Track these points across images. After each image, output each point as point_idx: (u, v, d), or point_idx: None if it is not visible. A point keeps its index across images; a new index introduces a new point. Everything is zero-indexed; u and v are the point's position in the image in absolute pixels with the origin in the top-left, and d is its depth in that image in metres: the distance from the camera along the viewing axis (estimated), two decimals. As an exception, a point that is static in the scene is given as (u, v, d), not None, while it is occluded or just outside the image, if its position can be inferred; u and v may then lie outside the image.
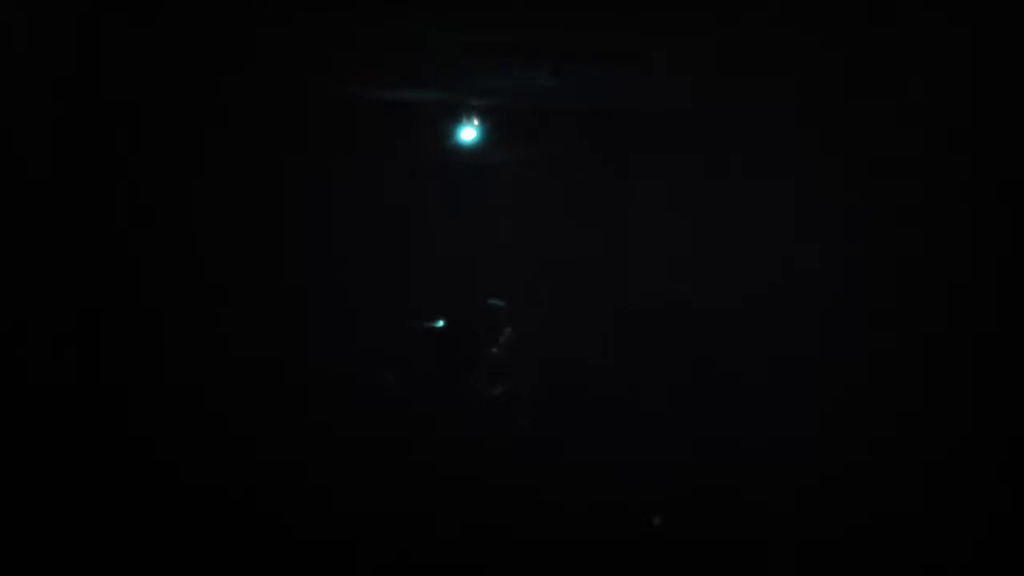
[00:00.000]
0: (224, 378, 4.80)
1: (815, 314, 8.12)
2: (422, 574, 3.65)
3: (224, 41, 6.45)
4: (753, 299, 8.55)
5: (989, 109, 5.07)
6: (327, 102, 8.03)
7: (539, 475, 4.14)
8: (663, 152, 8.56)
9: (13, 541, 3.10)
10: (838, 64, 6.50)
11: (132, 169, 7.86)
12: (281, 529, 3.49)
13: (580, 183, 8.75)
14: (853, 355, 6.77)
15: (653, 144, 8.61)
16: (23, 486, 3.32)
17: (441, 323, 4.40)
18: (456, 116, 8.28)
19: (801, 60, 6.46)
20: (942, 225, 8.62)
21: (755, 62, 6.46)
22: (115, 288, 7.52)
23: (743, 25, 5.50)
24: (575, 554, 3.78)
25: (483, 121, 8.29)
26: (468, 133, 8.33)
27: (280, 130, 8.06)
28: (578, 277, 8.35)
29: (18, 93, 6.63)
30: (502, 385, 4.85)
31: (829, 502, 4.68)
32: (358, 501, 3.67)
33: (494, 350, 6.06)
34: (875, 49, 6.00)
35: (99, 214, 7.61)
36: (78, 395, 3.93)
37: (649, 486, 4.12)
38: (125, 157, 7.81)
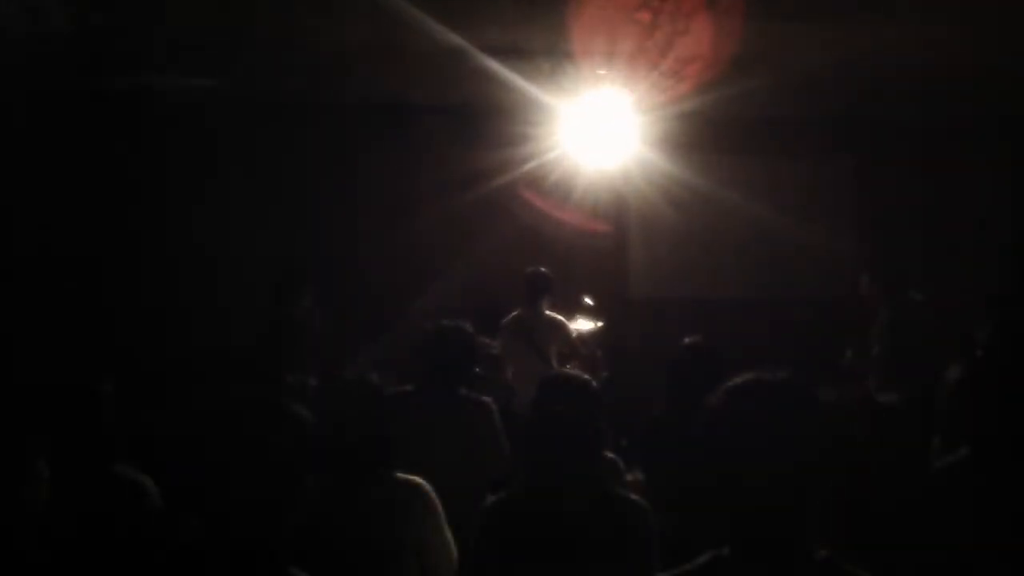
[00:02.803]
0: (223, 376, 4.81)
1: (821, 311, 8.12)
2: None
3: (224, 41, 6.45)
4: (756, 295, 8.55)
5: None
6: (327, 103, 8.02)
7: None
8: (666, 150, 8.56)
9: None
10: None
11: (131, 168, 7.86)
12: (281, 528, 3.48)
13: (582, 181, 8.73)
14: (855, 353, 6.77)
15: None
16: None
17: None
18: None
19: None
20: (942, 225, 8.64)
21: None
22: (114, 287, 7.54)
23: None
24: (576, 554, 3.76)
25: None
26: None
27: (280, 130, 8.05)
28: (581, 273, 8.29)
29: (18, 92, 6.63)
30: (495, 392, 4.74)
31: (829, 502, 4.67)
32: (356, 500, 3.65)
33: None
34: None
35: (98, 213, 7.62)
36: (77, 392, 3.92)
37: (649, 486, 4.10)
38: (125, 157, 7.81)
